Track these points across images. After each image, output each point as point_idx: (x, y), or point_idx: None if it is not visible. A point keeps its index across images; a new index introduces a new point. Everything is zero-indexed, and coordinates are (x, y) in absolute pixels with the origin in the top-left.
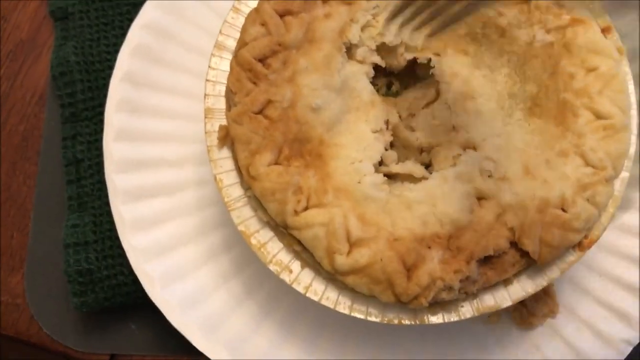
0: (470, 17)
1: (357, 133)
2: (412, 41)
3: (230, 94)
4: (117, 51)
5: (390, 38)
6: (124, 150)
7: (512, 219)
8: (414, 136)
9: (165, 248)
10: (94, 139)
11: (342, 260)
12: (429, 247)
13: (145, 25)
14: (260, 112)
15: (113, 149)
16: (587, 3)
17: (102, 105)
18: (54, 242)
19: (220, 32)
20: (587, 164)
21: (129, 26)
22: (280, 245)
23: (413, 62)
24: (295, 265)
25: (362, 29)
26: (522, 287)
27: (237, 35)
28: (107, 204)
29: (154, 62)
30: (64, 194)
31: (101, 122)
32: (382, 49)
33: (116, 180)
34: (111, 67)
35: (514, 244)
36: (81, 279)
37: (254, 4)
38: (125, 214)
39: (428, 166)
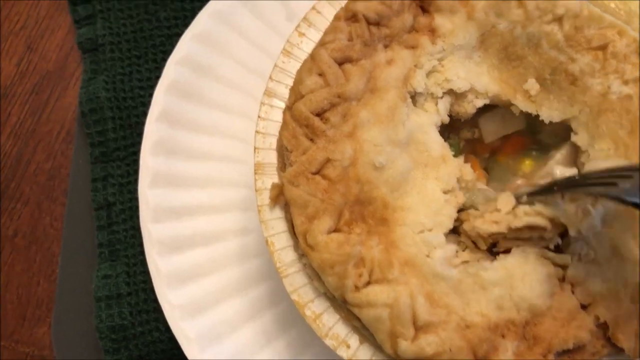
0: (539, 61)
1: (426, 193)
2: (482, 87)
3: (284, 151)
4: (150, 86)
5: (459, 84)
6: (161, 197)
7: (604, 312)
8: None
9: (204, 304)
10: (126, 181)
11: (406, 347)
12: (503, 336)
13: (181, 61)
14: (318, 172)
15: (149, 195)
16: None
17: (134, 145)
18: (83, 291)
19: (270, 77)
20: None
21: (163, 60)
22: (337, 316)
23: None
24: (353, 339)
25: (428, 74)
26: None
27: (288, 81)
28: (141, 252)
29: (192, 99)
30: (94, 238)
31: (134, 163)
32: (449, 95)
33: (152, 230)
34: (144, 104)
35: (595, 333)
36: (114, 335)
37: (307, 47)
38: (162, 266)
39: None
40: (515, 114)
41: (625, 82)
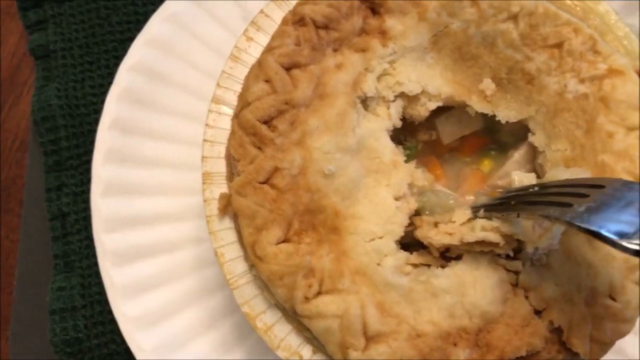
0: (494, 60)
1: (377, 201)
2: (435, 89)
3: (232, 160)
4: (103, 93)
5: (410, 87)
6: (113, 206)
7: (558, 316)
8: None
9: (160, 315)
10: (81, 190)
11: (356, 358)
12: (455, 344)
13: (133, 67)
14: (266, 181)
15: (101, 205)
16: (624, 42)
17: (88, 153)
18: (41, 303)
19: (217, 84)
20: None
21: (115, 65)
22: (289, 327)
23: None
24: (306, 350)
25: (379, 78)
26: None
27: (237, 87)
28: (97, 263)
29: (145, 106)
30: (50, 250)
31: (88, 171)
32: (402, 98)
33: (105, 240)
34: (97, 111)
35: (549, 339)
36: (69, 349)
37: (255, 52)
38: (116, 278)
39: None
40: (472, 115)
41: (582, 81)
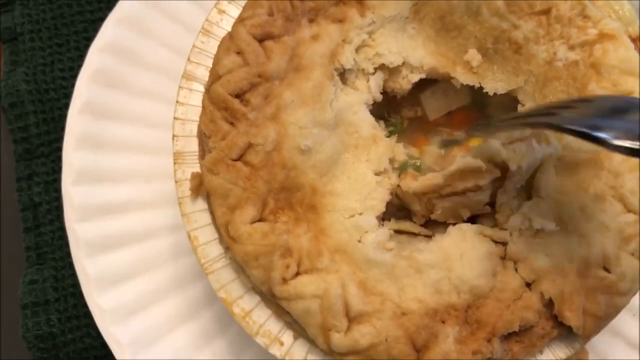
0: (479, 30)
1: (357, 177)
2: (416, 60)
3: (204, 137)
4: (73, 76)
5: (391, 58)
6: (86, 195)
7: (549, 288)
8: None
9: (137, 307)
10: (52, 178)
11: (339, 340)
12: (443, 322)
13: (105, 47)
14: (239, 158)
15: (73, 193)
16: (615, 7)
17: (59, 139)
18: (15, 298)
19: (188, 59)
20: (627, 209)
21: (86, 47)
22: (269, 311)
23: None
24: (287, 335)
25: (357, 49)
26: (553, 353)
27: (208, 62)
28: (70, 254)
29: (118, 88)
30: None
31: (59, 159)
32: (382, 71)
33: (78, 229)
34: (68, 96)
35: (543, 314)
36: (42, 344)
37: (228, 25)
38: (90, 268)
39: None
40: (457, 87)
41: (571, 48)
